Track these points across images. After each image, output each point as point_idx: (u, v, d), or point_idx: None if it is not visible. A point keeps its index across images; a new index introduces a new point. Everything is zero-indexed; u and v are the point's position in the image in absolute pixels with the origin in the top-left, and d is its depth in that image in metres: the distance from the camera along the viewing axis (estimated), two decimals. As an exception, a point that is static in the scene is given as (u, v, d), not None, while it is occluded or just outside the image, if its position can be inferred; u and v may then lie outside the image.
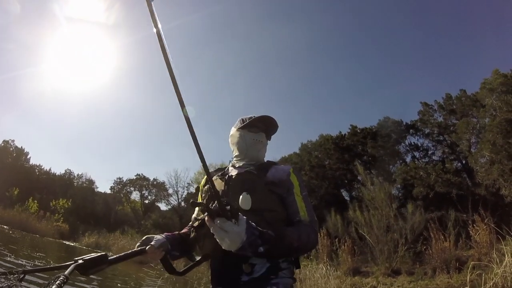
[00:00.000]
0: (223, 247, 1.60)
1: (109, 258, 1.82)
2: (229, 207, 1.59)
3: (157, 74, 71.71)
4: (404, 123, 26.19)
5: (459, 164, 22.66)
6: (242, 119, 2.39)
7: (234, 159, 2.43)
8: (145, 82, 73.91)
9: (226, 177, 2.20)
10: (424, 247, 10.75)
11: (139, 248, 2.03)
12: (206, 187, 2.26)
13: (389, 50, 56.22)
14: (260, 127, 2.34)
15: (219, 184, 2.20)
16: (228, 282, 1.96)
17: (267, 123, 2.34)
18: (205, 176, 2.27)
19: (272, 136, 2.49)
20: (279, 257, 1.95)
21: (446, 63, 46.34)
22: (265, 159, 2.45)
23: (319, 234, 2.66)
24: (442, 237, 10.32)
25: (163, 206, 49.50)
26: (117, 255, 1.87)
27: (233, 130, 2.44)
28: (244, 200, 1.86)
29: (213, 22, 74.14)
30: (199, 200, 2.32)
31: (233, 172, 2.24)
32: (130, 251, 1.99)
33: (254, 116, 2.33)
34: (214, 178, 2.27)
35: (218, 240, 1.59)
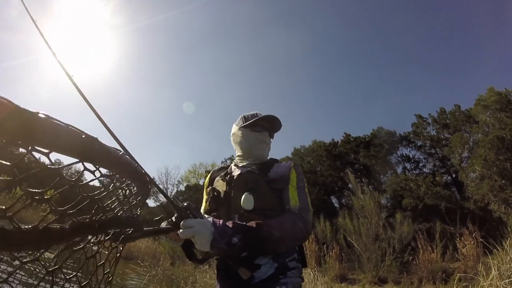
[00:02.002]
0: (196, 247, 1.60)
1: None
2: (188, 208, 1.64)
3: (146, 70, 71.77)
4: (398, 134, 26.33)
5: (449, 177, 22.84)
6: (245, 117, 2.33)
7: (237, 158, 2.37)
8: (135, 77, 73.43)
9: (228, 177, 2.17)
10: (411, 257, 10.81)
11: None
12: (209, 188, 2.26)
13: (387, 61, 56.45)
14: (263, 126, 2.28)
15: (221, 185, 2.19)
16: (237, 284, 1.90)
17: (271, 123, 2.30)
18: (209, 176, 2.45)
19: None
20: (262, 250, 1.79)
21: (442, 77, 46.63)
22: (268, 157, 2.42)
23: (310, 226, 2.04)
24: (430, 248, 10.38)
25: (151, 203, 49.21)
26: (152, 228, 1.71)
27: (235, 128, 2.37)
28: (246, 200, 1.91)
29: (216, 20, 74.05)
30: (204, 198, 2.34)
31: (235, 172, 2.21)
32: (164, 226, 1.78)
33: (257, 114, 2.30)
34: (216, 179, 2.30)
35: (193, 242, 1.59)
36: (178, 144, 72.39)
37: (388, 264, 11.03)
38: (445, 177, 22.30)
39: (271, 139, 2.37)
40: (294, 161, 2.31)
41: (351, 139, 26.70)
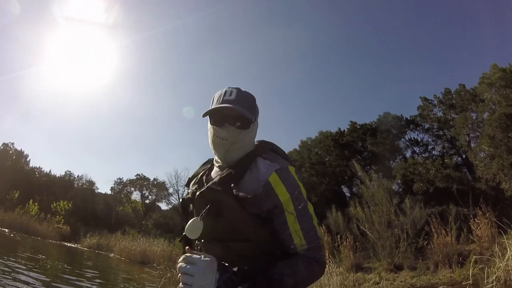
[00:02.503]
0: None
1: None
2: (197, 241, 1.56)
3: (157, 75, 72.16)
4: (404, 119, 26.17)
5: (459, 158, 22.69)
6: (213, 97, 1.79)
7: None
8: (145, 82, 74.08)
9: (194, 190, 1.78)
10: (426, 242, 10.76)
11: None
12: (181, 198, 1.95)
13: (388, 46, 56.16)
14: (216, 118, 1.72)
15: (188, 199, 1.83)
16: None
17: (230, 118, 1.68)
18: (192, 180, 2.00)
19: (258, 119, 1.85)
20: None
21: (445, 57, 46.28)
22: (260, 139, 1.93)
23: (325, 261, 1.66)
24: (444, 232, 10.33)
25: (163, 206, 49.55)
26: None
27: None
28: (190, 227, 1.58)
29: (215, 22, 73.95)
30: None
31: (211, 177, 1.82)
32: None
33: (227, 90, 1.74)
34: (192, 183, 1.94)
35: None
36: (185, 147, 72.67)
37: (403, 250, 11.00)
38: (455, 158, 22.17)
39: (243, 131, 1.71)
40: (282, 161, 1.74)
41: (358, 127, 26.56)
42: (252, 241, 1.59)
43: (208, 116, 1.73)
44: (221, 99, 1.69)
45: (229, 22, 74.47)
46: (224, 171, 1.70)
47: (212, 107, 1.69)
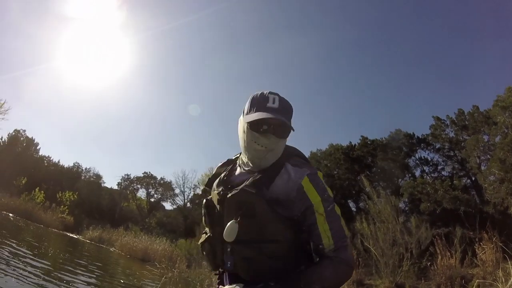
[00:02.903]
0: None
1: None
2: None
3: (170, 74, 72.40)
4: (416, 137, 26.09)
5: (468, 180, 22.57)
6: (252, 101, 1.79)
7: (242, 155, 1.93)
8: (159, 81, 74.07)
9: (221, 192, 1.79)
10: (429, 262, 10.69)
11: None
12: (204, 200, 1.95)
13: (403, 62, 55.92)
14: (266, 128, 1.70)
15: (215, 199, 1.85)
16: None
17: (276, 128, 1.70)
18: (214, 172, 2.07)
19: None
20: None
21: (460, 77, 46.06)
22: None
23: (353, 261, 1.73)
24: (448, 254, 10.26)
25: (168, 206, 49.64)
26: None
27: (241, 115, 1.85)
28: (229, 230, 1.60)
29: (229, 23, 74.11)
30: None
31: (236, 178, 1.86)
32: None
33: (267, 98, 1.73)
34: (214, 184, 1.96)
35: None
36: (194, 149, 72.78)
37: (406, 269, 10.93)
38: (464, 180, 22.05)
39: (282, 139, 1.76)
40: (310, 167, 1.79)
41: (369, 142, 26.52)
42: (282, 242, 1.64)
43: (246, 113, 1.78)
44: (264, 105, 1.71)
45: (243, 25, 74.33)
46: (256, 174, 1.73)
47: (256, 113, 1.70)
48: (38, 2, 57.08)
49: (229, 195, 1.70)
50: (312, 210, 1.63)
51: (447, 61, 49.32)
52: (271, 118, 1.65)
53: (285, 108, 1.74)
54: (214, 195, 1.85)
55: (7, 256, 9.39)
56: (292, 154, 1.85)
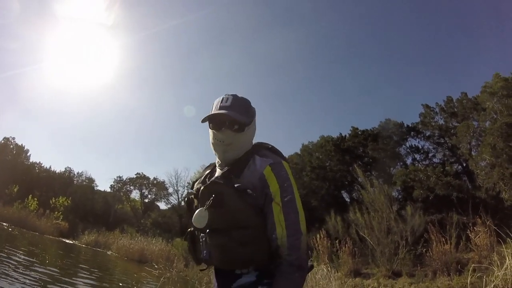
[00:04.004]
0: None
1: None
2: None
3: (158, 74, 72.17)
4: (405, 125, 26.21)
5: (460, 167, 22.73)
6: (213, 103, 1.97)
7: None
8: (146, 81, 73.93)
9: (199, 188, 1.91)
10: (425, 249, 10.78)
11: None
12: (186, 198, 2.12)
13: (391, 52, 56.19)
14: (219, 124, 1.86)
15: (196, 193, 1.97)
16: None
17: (228, 123, 1.84)
18: (197, 175, 2.27)
19: (255, 121, 2.02)
20: None
21: (448, 65, 46.33)
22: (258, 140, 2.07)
23: (305, 262, 1.71)
24: (443, 240, 10.35)
25: (162, 205, 49.48)
26: None
27: None
28: (197, 217, 1.75)
29: (216, 22, 73.94)
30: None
31: (214, 176, 1.96)
32: None
33: (225, 96, 1.91)
34: (196, 183, 2.10)
35: None
36: (186, 147, 72.59)
37: (402, 257, 11.02)
38: (455, 167, 22.21)
39: (239, 133, 1.86)
40: (276, 157, 1.90)
41: (359, 133, 26.60)
42: (251, 228, 1.71)
43: (208, 121, 1.90)
44: (218, 105, 1.88)
45: (230, 23, 74.23)
46: (225, 169, 1.87)
47: (211, 113, 1.87)
48: (21, 3, 56.52)
49: (202, 188, 1.87)
50: (270, 198, 1.72)
51: (434, 49, 49.67)
52: (219, 114, 1.83)
53: (237, 105, 1.88)
54: (192, 195, 2.02)
55: (5, 266, 9.35)
56: (261, 147, 1.98)
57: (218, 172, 1.97)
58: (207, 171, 2.11)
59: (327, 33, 66.26)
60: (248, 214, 1.71)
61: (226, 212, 1.73)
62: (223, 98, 1.90)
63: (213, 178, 1.89)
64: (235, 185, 1.73)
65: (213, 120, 1.88)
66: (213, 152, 1.99)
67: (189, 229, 2.03)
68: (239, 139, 1.88)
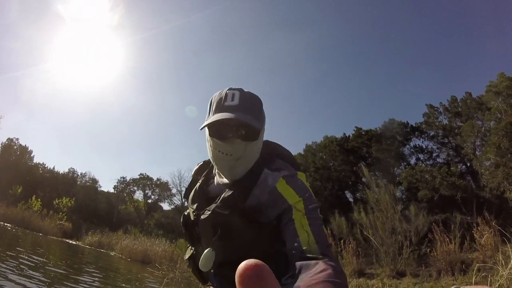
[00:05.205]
0: None
1: None
2: None
3: (162, 74, 72.34)
4: (409, 125, 26.14)
5: (464, 167, 22.64)
6: (210, 101, 1.55)
7: None
8: (150, 82, 74.12)
9: (195, 212, 1.58)
10: (429, 249, 10.75)
11: None
12: (183, 215, 1.73)
13: (394, 52, 56.00)
14: (224, 132, 1.46)
15: (190, 213, 1.64)
16: None
17: (237, 130, 1.44)
18: (192, 175, 1.88)
19: (265, 128, 1.58)
20: None
21: (452, 65, 46.11)
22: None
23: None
24: (447, 240, 10.32)
25: (166, 206, 49.60)
26: None
27: None
28: (204, 261, 1.43)
29: (221, 22, 74.14)
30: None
31: (212, 189, 1.65)
32: None
33: (228, 92, 1.49)
34: (191, 195, 1.73)
35: None
36: (189, 147, 72.64)
37: (406, 257, 10.99)
38: (459, 167, 22.12)
39: (251, 142, 1.48)
40: (290, 168, 1.55)
41: (363, 133, 26.53)
42: (266, 260, 1.30)
43: (206, 121, 1.47)
44: (221, 104, 1.46)
45: (235, 24, 74.75)
46: (227, 191, 1.48)
47: (212, 116, 1.45)
48: (29, 2, 56.79)
49: (202, 217, 1.51)
50: (289, 208, 1.36)
51: (438, 49, 49.41)
52: (229, 119, 1.39)
53: (247, 104, 1.47)
54: (190, 213, 1.65)
55: (9, 267, 9.36)
56: (273, 156, 1.62)
57: (217, 185, 1.63)
58: (202, 178, 1.75)
59: (331, 34, 66.41)
60: (262, 244, 1.42)
61: (235, 245, 1.43)
62: (226, 95, 1.47)
63: (214, 206, 1.48)
64: (243, 212, 1.43)
65: (215, 127, 1.46)
66: (214, 165, 1.59)
67: (191, 251, 1.73)
68: (251, 151, 1.49)
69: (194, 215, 1.58)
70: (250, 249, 1.35)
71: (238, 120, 1.39)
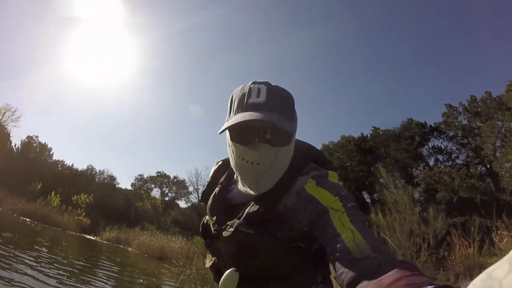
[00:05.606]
0: None
1: None
2: None
3: (178, 74, 72.74)
4: (428, 125, 25.89)
5: (483, 168, 22.34)
6: (231, 99, 1.28)
7: None
8: (168, 80, 74.61)
9: (215, 226, 1.36)
10: (447, 252, 10.63)
11: None
12: (203, 219, 1.51)
13: (412, 50, 55.48)
14: (248, 136, 1.18)
15: (209, 221, 1.43)
16: None
17: (264, 133, 1.17)
18: (211, 175, 1.63)
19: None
20: None
21: (472, 63, 45.53)
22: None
23: None
24: (466, 243, 10.19)
25: (182, 204, 49.89)
26: None
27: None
28: (227, 282, 1.24)
29: (234, 22, 74.18)
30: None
31: (235, 196, 1.40)
32: None
33: (253, 87, 1.22)
34: (210, 199, 1.48)
35: None
36: (206, 145, 72.80)
37: (423, 260, 10.87)
38: (479, 168, 21.82)
39: (283, 147, 1.21)
40: (320, 170, 1.30)
41: (380, 133, 26.38)
42: (294, 277, 1.26)
43: (227, 123, 1.21)
44: (245, 102, 1.20)
45: (248, 24, 74.71)
46: (252, 206, 1.25)
47: (233, 117, 1.20)
48: (45, 4, 57.60)
49: (224, 234, 1.30)
50: (325, 210, 1.12)
51: (458, 48, 48.78)
52: (254, 120, 1.12)
53: (276, 101, 1.21)
54: (210, 225, 1.42)
55: (29, 259, 9.53)
56: (307, 159, 1.36)
57: (237, 192, 1.40)
58: (221, 181, 1.49)
59: (348, 34, 65.92)
60: (290, 261, 1.24)
61: (260, 262, 1.24)
62: (250, 90, 1.21)
63: (237, 224, 1.26)
64: (271, 227, 1.22)
65: (237, 129, 1.20)
66: (236, 174, 1.34)
67: (212, 260, 1.50)
68: (282, 158, 1.23)
69: (214, 230, 1.36)
70: (277, 269, 1.25)
71: (266, 121, 1.12)
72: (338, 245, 1.01)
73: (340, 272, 0.98)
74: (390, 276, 0.82)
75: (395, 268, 0.85)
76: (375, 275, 0.87)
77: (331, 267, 1.21)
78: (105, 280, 9.82)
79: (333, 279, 1.28)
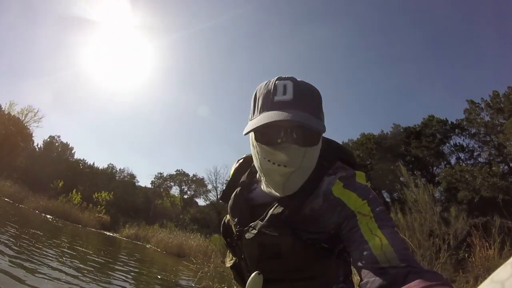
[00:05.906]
0: None
1: None
2: None
3: (198, 72, 73.23)
4: (450, 122, 25.47)
5: (506, 167, 21.88)
6: (255, 96, 1.23)
7: None
8: (188, 79, 75.26)
9: (238, 227, 1.32)
10: (467, 254, 10.45)
11: None
12: (225, 218, 1.50)
13: (434, 46, 54.65)
14: (275, 136, 1.13)
15: (231, 222, 1.40)
16: None
17: (291, 133, 1.12)
18: (231, 173, 1.55)
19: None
20: None
21: (494, 57, 44.68)
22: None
23: None
24: (487, 245, 9.99)
25: (201, 202, 50.21)
26: None
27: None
28: (252, 285, 1.19)
29: (252, 20, 74.19)
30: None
31: (257, 196, 1.35)
32: None
33: (278, 84, 1.16)
34: (232, 198, 1.40)
35: None
36: (225, 144, 73.13)
37: (443, 261, 10.69)
38: (501, 167, 21.38)
39: (311, 148, 1.16)
40: (348, 170, 1.29)
41: (401, 130, 26.06)
42: (317, 278, 1.25)
43: (250, 123, 1.17)
44: (270, 100, 1.14)
45: (266, 21, 74.37)
46: (277, 207, 1.21)
47: (258, 116, 1.14)
48: (67, 7, 58.48)
49: (246, 235, 1.26)
50: (353, 214, 1.11)
51: (478, 42, 47.90)
52: (282, 120, 1.06)
53: (304, 98, 1.14)
54: (232, 226, 1.40)
55: (51, 254, 9.70)
56: (334, 161, 1.31)
57: (260, 192, 1.35)
58: (242, 179, 1.43)
59: (371, 28, 65.29)
60: (314, 263, 1.23)
61: (284, 264, 1.23)
62: (276, 86, 1.15)
63: (260, 225, 1.22)
64: (295, 231, 1.19)
65: (263, 129, 1.13)
66: (261, 176, 1.30)
67: (233, 259, 1.51)
68: (310, 159, 1.18)
69: (236, 231, 1.32)
70: (300, 270, 1.24)
71: (295, 120, 1.06)
72: (365, 253, 1.01)
73: (365, 281, 0.97)
74: (414, 286, 0.84)
75: (421, 279, 0.85)
76: (401, 285, 0.87)
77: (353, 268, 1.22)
78: (124, 276, 9.94)
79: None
